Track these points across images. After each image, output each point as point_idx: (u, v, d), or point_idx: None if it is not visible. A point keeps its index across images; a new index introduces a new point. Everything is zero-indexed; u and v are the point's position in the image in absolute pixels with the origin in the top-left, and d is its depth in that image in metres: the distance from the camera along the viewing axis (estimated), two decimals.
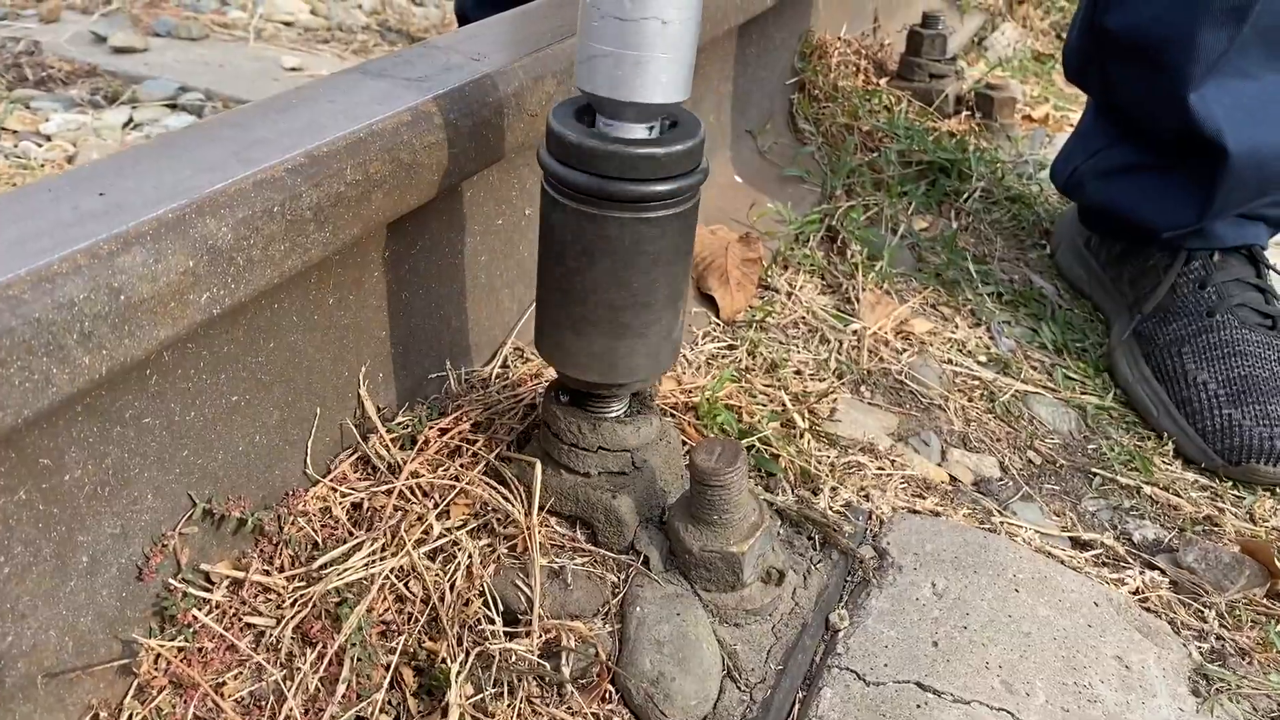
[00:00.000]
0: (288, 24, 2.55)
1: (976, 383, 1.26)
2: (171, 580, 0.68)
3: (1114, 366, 1.33)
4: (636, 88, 0.64)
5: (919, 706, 0.76)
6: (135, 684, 0.66)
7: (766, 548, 0.80)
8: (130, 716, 0.64)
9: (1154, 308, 1.32)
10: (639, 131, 0.67)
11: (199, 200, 0.59)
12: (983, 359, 1.31)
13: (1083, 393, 1.29)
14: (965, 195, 1.60)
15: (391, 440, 0.83)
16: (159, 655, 0.66)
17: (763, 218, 1.40)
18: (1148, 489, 1.14)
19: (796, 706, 0.77)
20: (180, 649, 0.67)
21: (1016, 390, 1.26)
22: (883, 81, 1.75)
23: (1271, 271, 1.35)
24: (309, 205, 0.65)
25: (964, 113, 1.75)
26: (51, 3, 2.47)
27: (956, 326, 1.36)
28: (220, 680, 0.67)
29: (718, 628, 0.78)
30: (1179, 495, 1.13)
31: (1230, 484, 1.16)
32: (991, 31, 2.50)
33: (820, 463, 1.01)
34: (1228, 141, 1.22)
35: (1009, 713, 0.77)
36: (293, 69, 2.27)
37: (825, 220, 1.44)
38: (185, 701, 0.66)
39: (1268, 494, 1.15)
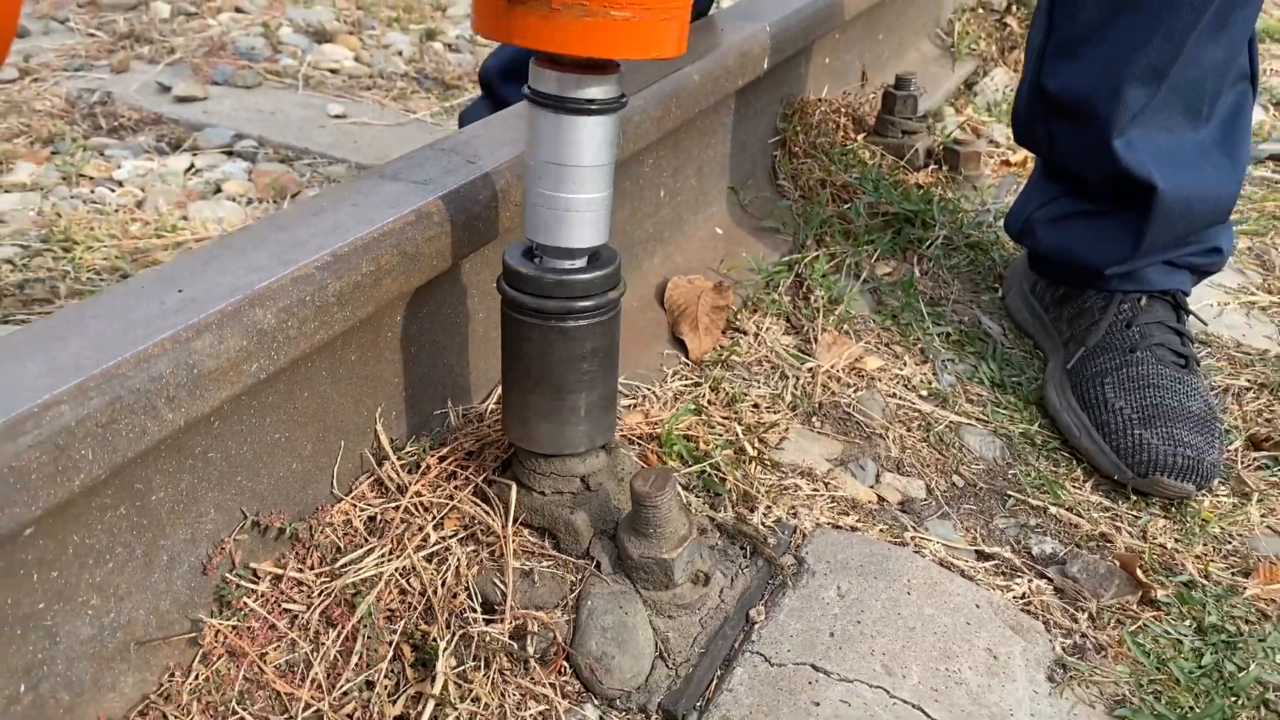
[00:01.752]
0: (334, 71, 2.79)
1: (916, 414, 1.46)
2: (228, 574, 0.90)
3: (1045, 397, 1.51)
4: (571, 228, 0.86)
5: (810, 683, 0.96)
6: (200, 652, 0.87)
7: (695, 555, 1.01)
8: (196, 676, 0.86)
9: (1095, 345, 1.50)
10: (567, 264, 0.89)
11: (251, 295, 0.81)
12: (924, 393, 1.50)
13: (1010, 423, 1.47)
14: (927, 243, 1.79)
15: (400, 466, 1.05)
16: (218, 631, 0.88)
17: (736, 268, 1.61)
18: (1054, 509, 1.32)
19: (714, 682, 0.97)
20: (234, 627, 0.89)
21: (950, 421, 1.45)
22: (860, 137, 1.94)
23: (1191, 317, 1.54)
24: (334, 293, 0.86)
25: (931, 166, 1.94)
26: (122, 54, 2.73)
27: (905, 364, 1.55)
28: (264, 651, 0.89)
29: (653, 619, 0.98)
30: (1080, 515, 1.32)
31: (1128, 505, 1.34)
32: (983, 77, 2.68)
33: (761, 485, 1.21)
34: (1157, 181, 1.41)
35: (884, 690, 0.97)
36: (337, 116, 2.51)
37: (794, 268, 1.63)
38: (237, 666, 0.87)
39: (1161, 515, 1.33)
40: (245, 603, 0.90)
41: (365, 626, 0.92)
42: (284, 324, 0.82)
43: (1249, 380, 1.61)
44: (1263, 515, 1.36)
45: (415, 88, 2.72)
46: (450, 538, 0.99)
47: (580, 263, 0.91)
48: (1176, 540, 1.30)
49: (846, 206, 1.79)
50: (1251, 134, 1.55)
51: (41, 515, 0.68)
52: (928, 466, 1.37)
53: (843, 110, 1.96)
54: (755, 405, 1.37)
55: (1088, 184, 1.49)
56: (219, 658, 0.87)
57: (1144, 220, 1.42)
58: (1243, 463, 1.45)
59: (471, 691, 0.89)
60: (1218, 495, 1.38)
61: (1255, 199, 2.30)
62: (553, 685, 0.93)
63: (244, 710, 0.86)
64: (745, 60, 1.54)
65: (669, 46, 0.82)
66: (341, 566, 0.95)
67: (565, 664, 0.94)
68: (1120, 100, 1.36)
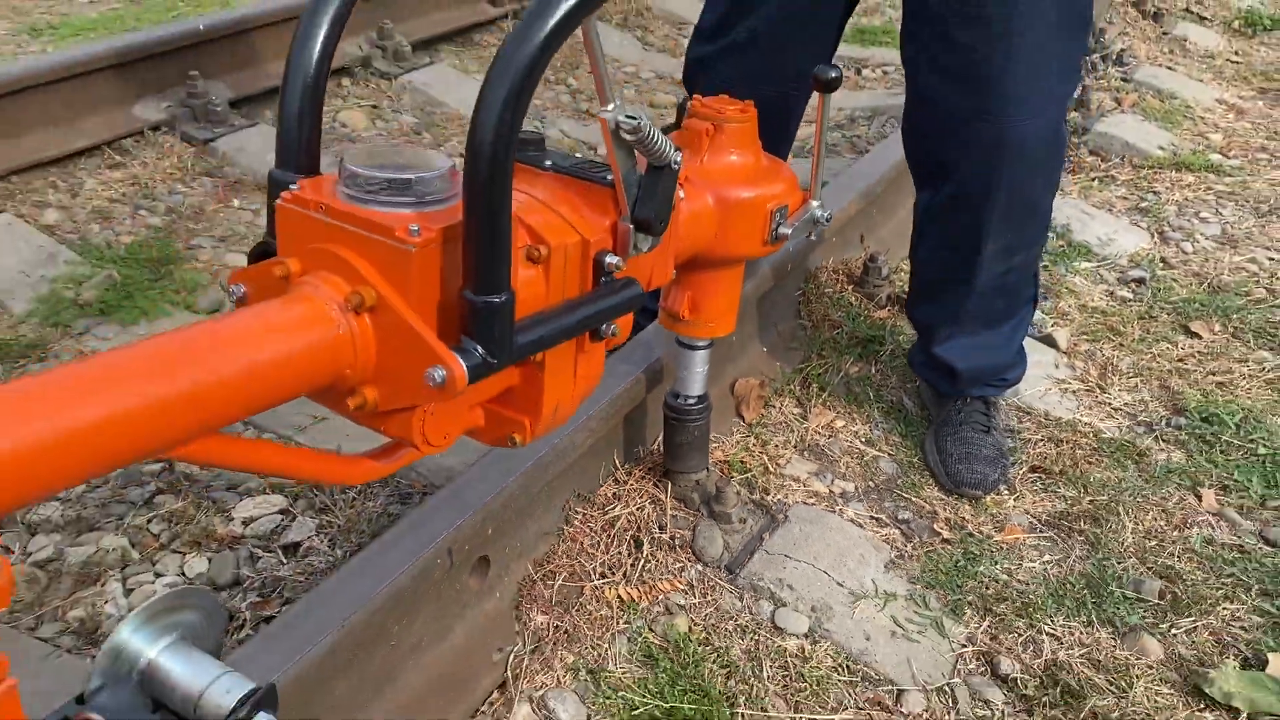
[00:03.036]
0: None
1: (856, 450, 2.98)
2: (569, 512, 2.48)
3: (924, 443, 3.02)
4: (690, 387, 2.42)
5: (782, 561, 2.50)
6: (561, 538, 2.45)
7: (741, 511, 2.56)
8: (560, 546, 2.44)
9: (941, 419, 3.01)
10: (690, 401, 2.45)
11: (582, 421, 2.39)
12: (863, 440, 3.02)
13: (905, 456, 2.98)
14: (881, 354, 3.30)
15: (624, 472, 2.61)
16: (567, 532, 2.45)
17: (773, 372, 3.14)
18: (915, 500, 2.83)
19: (746, 560, 2.51)
20: (573, 529, 2.46)
21: (873, 454, 2.97)
22: (850, 287, 3.46)
23: (1004, 401, 3.03)
24: (607, 415, 2.43)
25: (890, 306, 3.45)
26: None
27: (856, 424, 3.07)
28: (583, 540, 2.46)
29: (723, 535, 2.53)
30: (926, 503, 2.82)
31: (952, 500, 2.84)
32: None
33: (773, 484, 2.75)
34: (959, 367, 2.91)
35: (812, 565, 2.50)
36: None
37: (803, 371, 3.16)
38: (573, 543, 2.45)
39: (967, 505, 2.83)
40: (576, 521, 2.48)
41: (617, 533, 2.48)
42: (591, 430, 2.39)
43: (1043, 436, 3.09)
44: (1017, 503, 2.85)
45: None
46: (644, 501, 2.56)
47: (693, 400, 2.46)
48: (970, 515, 2.80)
49: (836, 333, 3.31)
50: (1031, 324, 3.06)
51: (545, 484, 2.27)
52: (858, 476, 2.90)
53: (841, 271, 3.48)
54: (775, 446, 2.91)
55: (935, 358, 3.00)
56: (568, 541, 2.45)
57: (955, 381, 2.93)
58: (1021, 480, 2.93)
59: (656, 555, 2.46)
60: (1000, 495, 2.87)
61: (1108, 313, 3.75)
62: (685, 558, 2.49)
63: (577, 557, 2.43)
64: (776, 271, 3.07)
65: (728, 329, 2.36)
66: (606, 510, 2.52)
67: (690, 549, 2.50)
68: (935, 330, 2.88)
